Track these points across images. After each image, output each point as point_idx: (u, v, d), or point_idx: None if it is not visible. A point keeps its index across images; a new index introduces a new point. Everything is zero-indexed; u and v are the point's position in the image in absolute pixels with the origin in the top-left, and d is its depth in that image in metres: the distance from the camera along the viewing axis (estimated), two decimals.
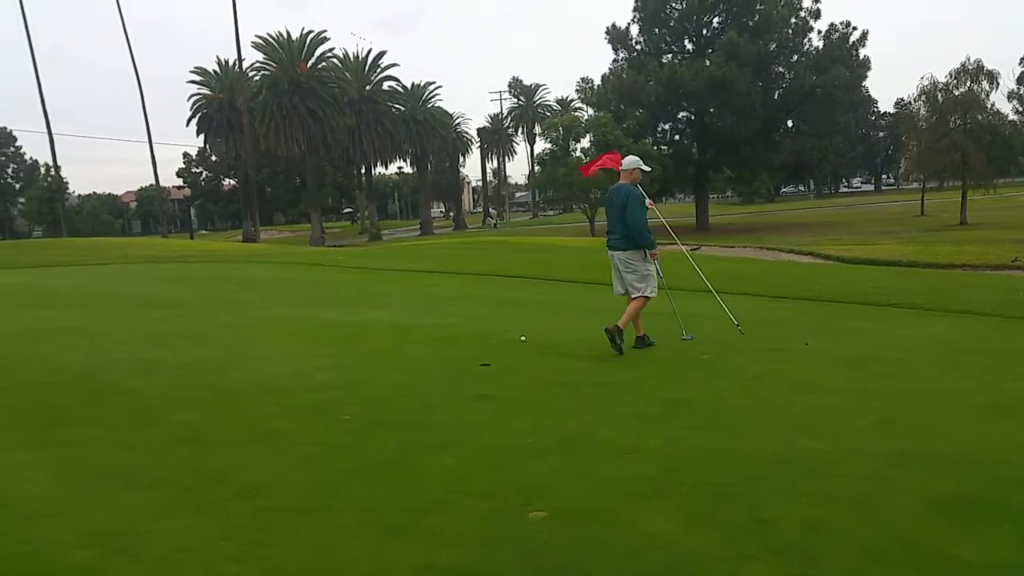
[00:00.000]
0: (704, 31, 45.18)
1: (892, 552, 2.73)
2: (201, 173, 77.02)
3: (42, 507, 3.21)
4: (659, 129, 46.79)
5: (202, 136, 59.21)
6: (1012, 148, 37.52)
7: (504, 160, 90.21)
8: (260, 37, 52.73)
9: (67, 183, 77.42)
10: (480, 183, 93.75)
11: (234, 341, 7.25)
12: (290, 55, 52.27)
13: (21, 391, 5.17)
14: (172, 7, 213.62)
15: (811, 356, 6.45)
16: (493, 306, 10.46)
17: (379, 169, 70.58)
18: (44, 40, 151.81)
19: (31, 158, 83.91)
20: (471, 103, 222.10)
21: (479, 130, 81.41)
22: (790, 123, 47.19)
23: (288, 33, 53.20)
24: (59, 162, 61.05)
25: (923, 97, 37.98)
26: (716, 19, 44.83)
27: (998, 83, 36.47)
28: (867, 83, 47.27)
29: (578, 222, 50.90)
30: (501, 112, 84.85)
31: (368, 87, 58.13)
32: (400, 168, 79.03)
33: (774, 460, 3.72)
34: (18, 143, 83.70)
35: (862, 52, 42.74)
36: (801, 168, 55.42)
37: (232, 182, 75.86)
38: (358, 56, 59.19)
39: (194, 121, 57.57)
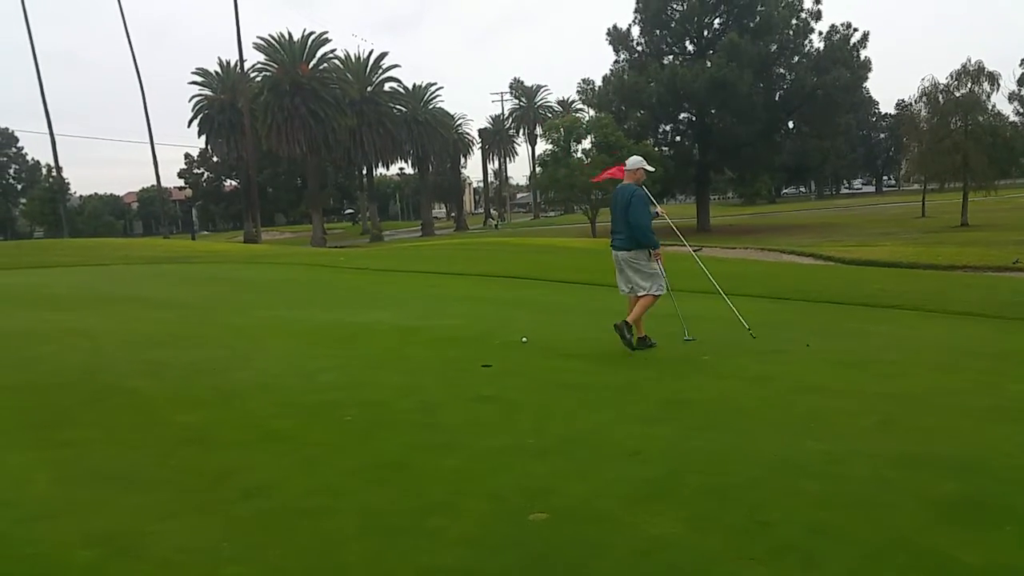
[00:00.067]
0: (705, 32, 45.21)
1: (893, 554, 2.72)
2: (202, 174, 77.01)
3: (44, 508, 3.21)
4: (660, 130, 46.82)
5: (203, 137, 59.33)
6: (1013, 149, 37.63)
7: (505, 161, 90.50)
8: (261, 38, 52.99)
9: (69, 184, 77.31)
10: (481, 184, 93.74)
11: (235, 342, 7.26)
12: (291, 56, 52.35)
13: (23, 392, 5.18)
14: (174, 7, 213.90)
15: (812, 357, 6.44)
16: (495, 307, 10.46)
17: (380, 170, 70.80)
18: (46, 41, 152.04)
19: (33, 159, 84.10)
20: (472, 104, 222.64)
21: (480, 131, 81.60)
22: (791, 124, 47.20)
23: (289, 34, 53.42)
24: (61, 163, 61.31)
25: (924, 98, 38.03)
26: (717, 20, 44.91)
27: (999, 84, 36.55)
28: (868, 84, 47.51)
29: (579, 223, 50.85)
30: (502, 113, 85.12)
31: (369, 88, 58.22)
32: (401, 169, 79.28)
33: (776, 462, 3.71)
34: (20, 144, 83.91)
35: (863, 53, 42.89)
36: (802, 169, 55.54)
37: (233, 183, 75.85)
38: (359, 57, 59.37)
39: (196, 122, 57.67)
